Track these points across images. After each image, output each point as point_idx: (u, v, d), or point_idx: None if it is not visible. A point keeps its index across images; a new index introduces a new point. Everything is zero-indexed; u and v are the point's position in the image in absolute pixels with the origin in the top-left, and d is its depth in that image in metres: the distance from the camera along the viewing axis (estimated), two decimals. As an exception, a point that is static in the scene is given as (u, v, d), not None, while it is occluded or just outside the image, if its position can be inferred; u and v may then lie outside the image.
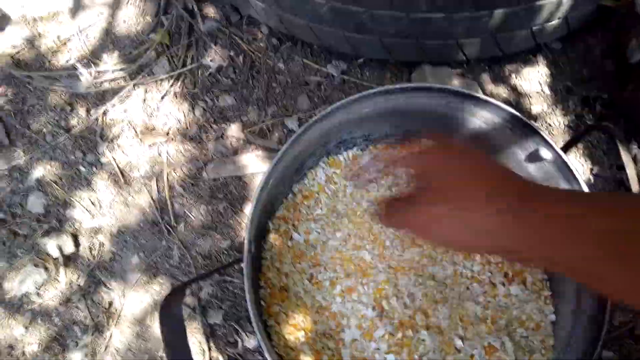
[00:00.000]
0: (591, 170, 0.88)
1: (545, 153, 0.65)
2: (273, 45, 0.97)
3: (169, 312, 0.56)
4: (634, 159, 0.88)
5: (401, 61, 0.93)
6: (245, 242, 0.59)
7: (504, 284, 0.68)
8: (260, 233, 0.70)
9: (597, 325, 0.58)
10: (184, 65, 0.96)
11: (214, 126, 0.92)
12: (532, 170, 0.68)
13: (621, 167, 0.87)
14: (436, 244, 0.60)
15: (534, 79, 0.93)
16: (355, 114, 0.70)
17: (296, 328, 0.66)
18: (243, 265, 0.59)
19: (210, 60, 0.96)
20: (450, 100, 0.68)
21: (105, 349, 0.80)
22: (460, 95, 0.67)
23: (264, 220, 0.71)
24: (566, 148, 0.82)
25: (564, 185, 0.64)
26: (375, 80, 0.94)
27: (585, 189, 0.61)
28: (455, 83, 0.91)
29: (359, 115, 0.71)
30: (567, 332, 0.64)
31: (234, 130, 0.91)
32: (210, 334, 0.79)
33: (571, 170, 0.62)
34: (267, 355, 0.57)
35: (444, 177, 0.44)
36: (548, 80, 0.93)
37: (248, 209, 0.86)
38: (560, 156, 0.63)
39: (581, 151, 0.88)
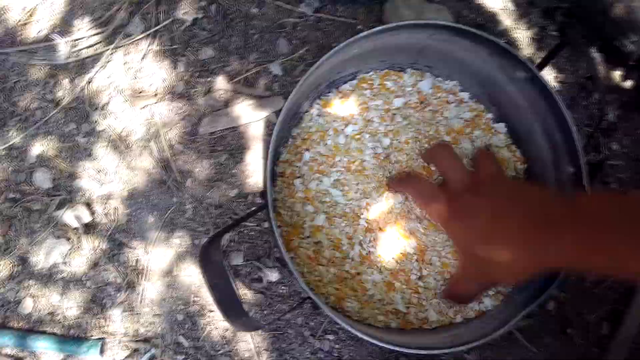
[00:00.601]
0: (556, 77, 0.96)
1: (521, 73, 0.72)
2: (243, -10, 0.97)
3: (209, 259, 0.63)
4: (594, 63, 0.96)
5: (373, -6, 0.96)
6: (268, 189, 0.66)
7: None
8: (271, 178, 0.76)
9: None
10: (157, 22, 0.96)
11: (200, 80, 0.94)
12: (513, 90, 0.75)
13: (584, 75, 0.95)
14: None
15: (497, -4, 0.98)
16: (342, 57, 0.75)
17: (315, 260, 0.74)
18: (267, 210, 0.65)
19: (183, 14, 0.97)
20: (430, 33, 0.73)
21: (141, 302, 0.87)
22: (439, 28, 0.72)
23: (273, 167, 0.77)
24: (541, 66, 0.89)
25: (541, 101, 0.71)
26: (349, 16, 0.97)
27: (560, 102, 0.68)
28: (426, 9, 0.95)
29: (347, 56, 0.75)
30: None
31: (220, 83, 0.94)
32: (235, 274, 0.87)
33: (546, 87, 0.69)
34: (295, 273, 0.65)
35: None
36: (511, -5, 0.98)
37: (248, 157, 0.91)
38: (535, 74, 0.69)
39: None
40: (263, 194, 0.74)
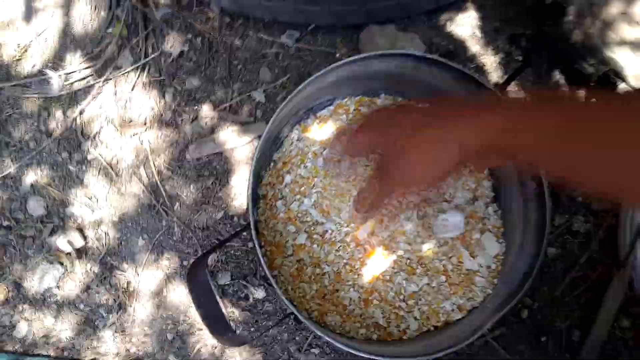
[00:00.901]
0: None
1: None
2: (227, 24, 1.03)
3: (196, 279, 0.67)
4: (558, 84, 1.02)
5: (349, 25, 1.02)
6: (251, 210, 0.70)
7: None
8: (254, 200, 0.80)
9: (541, 229, 0.73)
10: (146, 55, 1.02)
11: (187, 109, 0.99)
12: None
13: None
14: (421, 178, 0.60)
15: (466, 24, 1.04)
16: (319, 85, 0.80)
17: (298, 277, 0.78)
18: (250, 231, 0.70)
19: (170, 47, 1.02)
20: (400, 61, 0.79)
21: (132, 323, 0.90)
22: (406, 57, 0.77)
23: (256, 189, 0.81)
24: (503, 87, 0.95)
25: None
26: (328, 45, 1.03)
27: None
28: (400, 38, 1.01)
29: (323, 84, 0.81)
30: (520, 241, 0.79)
31: (205, 111, 0.99)
32: (222, 293, 0.91)
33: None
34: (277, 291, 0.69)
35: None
36: (479, 23, 1.04)
37: (233, 180, 0.96)
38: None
39: (513, 84, 1.01)
40: (246, 215, 0.78)
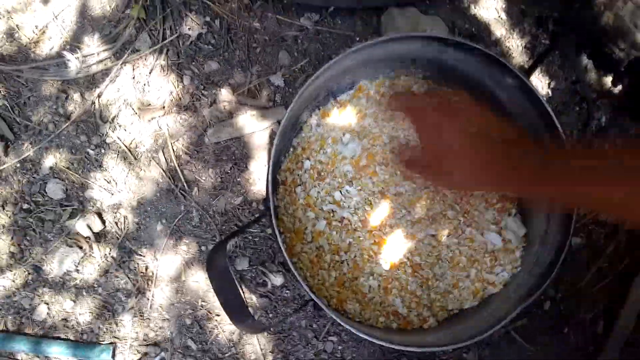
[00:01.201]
0: (549, 84, 0.99)
1: (510, 80, 0.75)
2: (245, 5, 1.01)
3: (215, 265, 0.66)
4: (585, 69, 0.99)
5: (370, 7, 0.99)
6: (270, 197, 0.69)
7: None
8: (273, 186, 0.79)
9: (567, 217, 0.71)
10: (164, 37, 1.00)
11: (205, 92, 0.98)
12: (503, 96, 0.78)
13: (576, 81, 0.98)
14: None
15: (491, 7, 1.01)
16: (338, 69, 0.78)
17: (317, 264, 0.78)
18: (269, 217, 0.69)
19: (189, 29, 1.01)
20: (422, 44, 0.77)
21: (151, 307, 0.90)
22: (429, 39, 0.75)
23: (275, 175, 0.80)
24: (529, 72, 0.92)
25: (529, 105, 0.74)
26: (347, 28, 1.01)
27: (548, 107, 0.71)
28: (422, 21, 0.99)
29: (343, 68, 0.79)
30: (544, 229, 0.77)
31: (224, 95, 0.98)
32: (240, 279, 0.90)
33: (534, 93, 0.72)
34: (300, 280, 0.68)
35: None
36: (504, 5, 1.01)
37: (252, 165, 0.95)
38: (524, 81, 0.73)
39: (539, 68, 0.98)
40: (265, 201, 0.77)
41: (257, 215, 0.79)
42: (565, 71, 0.99)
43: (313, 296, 0.67)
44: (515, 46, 1.00)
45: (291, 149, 0.83)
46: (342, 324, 0.67)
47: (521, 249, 0.78)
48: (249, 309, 0.87)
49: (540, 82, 0.98)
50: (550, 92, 0.98)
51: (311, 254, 0.78)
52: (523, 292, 0.74)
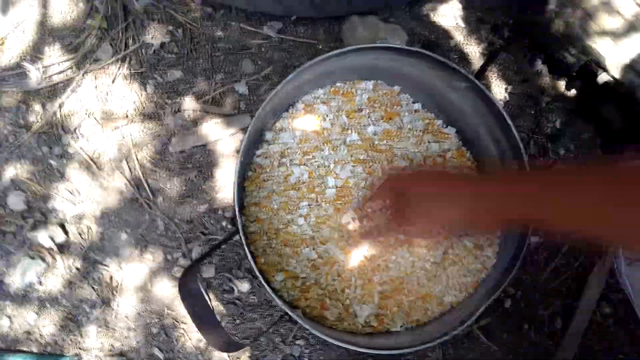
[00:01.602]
0: (506, 89, 1.02)
1: (460, 82, 0.78)
2: (208, 15, 1.02)
3: (187, 288, 0.66)
4: (539, 73, 1.03)
5: (331, 16, 1.01)
6: (237, 215, 0.70)
7: None
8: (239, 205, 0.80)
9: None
10: (126, 46, 1.00)
11: (169, 101, 0.98)
12: (455, 98, 0.81)
13: (530, 85, 1.02)
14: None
15: (449, 14, 1.04)
16: (297, 82, 0.80)
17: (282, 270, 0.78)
18: (240, 236, 0.69)
19: (151, 38, 1.01)
20: (377, 54, 0.79)
21: (116, 317, 0.90)
22: (385, 50, 0.77)
23: (240, 191, 0.80)
24: (480, 73, 0.96)
25: (481, 105, 0.77)
26: (311, 36, 1.02)
27: (499, 106, 0.74)
28: (382, 29, 1.01)
29: (300, 82, 0.80)
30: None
31: (188, 103, 0.98)
32: (207, 286, 0.91)
33: (484, 92, 0.75)
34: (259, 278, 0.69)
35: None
36: (461, 13, 1.04)
37: (217, 173, 0.95)
38: (475, 82, 0.75)
39: (496, 74, 1.01)
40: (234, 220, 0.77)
41: (228, 233, 0.79)
42: (520, 76, 1.02)
43: (278, 300, 0.68)
44: (473, 52, 1.03)
45: (255, 160, 0.83)
46: (309, 328, 0.68)
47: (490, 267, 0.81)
48: (216, 316, 0.87)
49: (496, 88, 1.01)
50: (507, 97, 1.01)
51: (275, 258, 0.79)
52: (484, 293, 0.77)
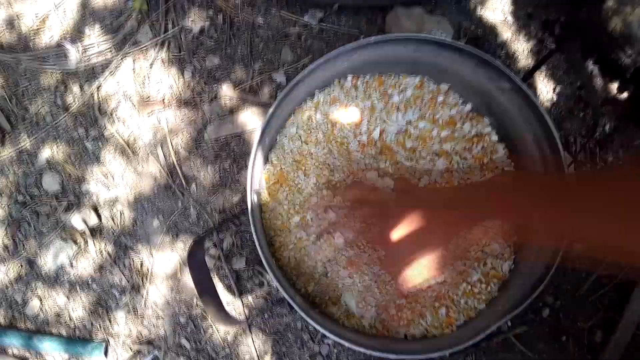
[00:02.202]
0: (554, 89, 0.98)
1: (505, 83, 0.74)
2: (249, 1, 1.00)
3: (194, 258, 0.67)
4: (591, 74, 0.98)
5: (375, 5, 0.98)
6: (248, 193, 0.68)
7: None
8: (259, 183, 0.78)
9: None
10: (166, 30, 0.99)
11: (206, 88, 0.97)
12: (502, 99, 0.77)
13: (581, 87, 0.97)
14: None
15: (497, 9, 1.00)
16: (331, 73, 0.77)
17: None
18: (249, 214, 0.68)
19: (191, 22, 0.99)
20: (416, 47, 0.75)
21: (145, 305, 0.89)
22: (424, 42, 0.74)
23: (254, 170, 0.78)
24: (530, 75, 0.91)
25: (528, 110, 0.73)
26: (352, 26, 0.99)
27: (544, 113, 0.70)
28: (427, 21, 0.97)
29: (335, 72, 0.77)
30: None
31: (225, 90, 0.96)
32: (237, 278, 0.89)
33: (529, 97, 0.71)
34: (277, 284, 0.67)
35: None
36: (511, 8, 1.00)
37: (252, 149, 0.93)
38: (519, 85, 0.71)
39: (544, 73, 0.97)
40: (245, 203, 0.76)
41: (235, 212, 0.78)
42: (571, 77, 0.98)
43: (286, 295, 0.66)
44: (521, 49, 0.99)
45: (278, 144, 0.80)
46: (312, 324, 0.66)
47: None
48: (246, 309, 0.86)
49: (545, 88, 0.97)
50: (555, 97, 0.97)
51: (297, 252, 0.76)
52: (516, 299, 0.73)
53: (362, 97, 0.80)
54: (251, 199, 0.70)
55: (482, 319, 0.76)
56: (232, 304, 0.89)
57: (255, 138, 0.69)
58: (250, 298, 0.89)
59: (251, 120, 0.94)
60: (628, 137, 0.96)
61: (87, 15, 0.99)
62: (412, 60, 0.80)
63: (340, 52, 0.72)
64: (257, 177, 0.75)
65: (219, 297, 0.69)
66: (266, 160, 0.79)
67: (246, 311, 0.88)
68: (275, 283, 0.67)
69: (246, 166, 0.94)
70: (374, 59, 0.78)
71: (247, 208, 0.70)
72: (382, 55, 0.78)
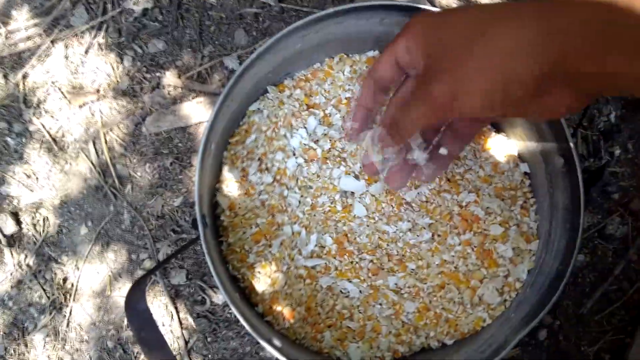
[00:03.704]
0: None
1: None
2: (200, -22, 0.88)
3: (134, 308, 0.52)
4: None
5: (341, -20, 0.86)
6: (198, 217, 0.55)
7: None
8: (211, 194, 0.65)
9: (573, 215, 0.57)
10: (104, 12, 0.87)
11: (147, 76, 0.84)
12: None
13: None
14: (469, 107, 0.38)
15: (485, -16, 0.87)
16: (283, 55, 0.64)
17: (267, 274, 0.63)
18: (201, 242, 0.54)
19: (133, 3, 0.87)
20: (383, 16, 0.63)
21: (67, 326, 0.76)
22: (390, 9, 0.61)
23: (214, 182, 0.65)
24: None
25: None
26: (317, 5, 0.87)
27: None
28: (401, -3, 0.85)
29: (289, 54, 0.65)
30: (546, 230, 0.62)
31: (169, 78, 0.84)
32: (175, 295, 0.76)
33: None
34: (233, 308, 0.54)
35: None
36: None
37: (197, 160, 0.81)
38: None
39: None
40: (194, 222, 0.62)
41: (183, 244, 0.62)
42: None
43: (232, 306, 0.52)
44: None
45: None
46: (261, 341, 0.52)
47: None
48: (185, 332, 0.73)
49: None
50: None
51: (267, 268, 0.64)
52: (525, 312, 0.60)
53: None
54: (203, 222, 0.56)
55: (491, 330, 0.63)
56: (169, 326, 0.75)
57: (202, 140, 0.56)
58: (189, 319, 0.75)
59: (197, 111, 0.82)
60: (637, 127, 0.82)
61: (15, -4, 0.87)
62: (377, 36, 0.67)
63: (292, 28, 0.59)
64: (207, 181, 0.62)
65: (171, 353, 0.54)
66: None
67: (185, 334, 0.75)
68: (224, 296, 0.53)
69: (191, 164, 0.81)
70: (332, 37, 0.66)
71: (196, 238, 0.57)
72: (343, 30, 0.65)
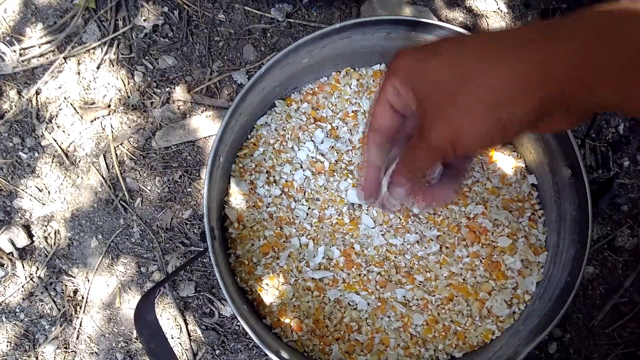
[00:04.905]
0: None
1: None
2: (209, -5, 0.89)
3: (144, 319, 0.53)
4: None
5: (347, -5, 0.87)
6: (207, 229, 0.55)
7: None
8: (219, 207, 0.65)
9: (581, 225, 0.57)
10: (115, 29, 0.89)
11: (157, 91, 0.86)
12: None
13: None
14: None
15: (489, -2, 0.88)
16: (298, 65, 0.66)
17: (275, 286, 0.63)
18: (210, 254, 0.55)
19: (144, 20, 0.89)
20: (389, 30, 0.64)
21: (77, 338, 0.76)
22: (396, 23, 0.62)
23: (222, 195, 0.66)
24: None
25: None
26: (324, 20, 0.88)
27: None
28: (407, 12, 0.86)
29: (295, 69, 0.66)
30: (555, 242, 0.62)
31: (179, 93, 0.85)
32: (184, 307, 0.76)
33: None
34: (243, 324, 0.54)
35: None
36: (504, -4, 0.88)
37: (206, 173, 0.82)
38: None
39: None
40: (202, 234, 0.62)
41: (192, 257, 0.63)
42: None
43: (240, 318, 0.53)
44: (517, 42, 0.86)
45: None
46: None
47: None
48: (193, 344, 0.73)
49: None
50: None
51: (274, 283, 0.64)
52: (534, 324, 0.60)
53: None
54: (211, 234, 0.57)
55: (500, 343, 0.63)
56: (178, 338, 0.75)
57: (211, 154, 0.57)
58: (198, 331, 0.76)
59: (206, 125, 0.83)
60: (645, 138, 0.82)
61: (29, 14, 0.89)
62: (383, 51, 0.68)
63: (300, 43, 0.60)
64: (216, 194, 0.62)
65: None
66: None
67: (193, 346, 0.75)
68: (232, 308, 0.53)
69: (199, 177, 0.82)
70: (338, 51, 0.67)
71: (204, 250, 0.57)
72: (348, 45, 0.66)
